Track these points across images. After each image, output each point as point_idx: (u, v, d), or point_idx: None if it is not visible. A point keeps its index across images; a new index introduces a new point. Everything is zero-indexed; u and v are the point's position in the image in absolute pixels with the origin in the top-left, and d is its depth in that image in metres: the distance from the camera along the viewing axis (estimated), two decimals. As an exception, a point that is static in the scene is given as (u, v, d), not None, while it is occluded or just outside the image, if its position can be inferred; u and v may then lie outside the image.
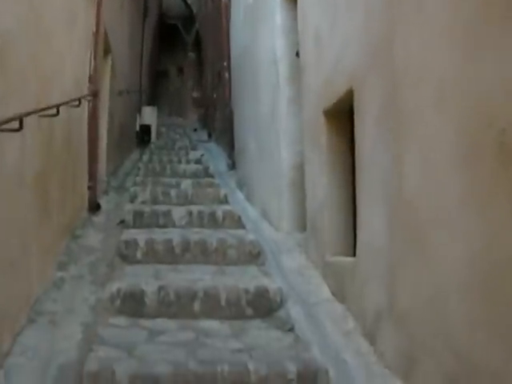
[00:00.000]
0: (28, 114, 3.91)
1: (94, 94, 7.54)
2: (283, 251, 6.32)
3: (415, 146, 3.42)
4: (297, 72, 6.79)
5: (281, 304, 4.99)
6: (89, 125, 7.51)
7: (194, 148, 13.66)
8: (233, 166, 11.13)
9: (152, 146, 14.01)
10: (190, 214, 7.19)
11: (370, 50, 4.15)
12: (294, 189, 6.87)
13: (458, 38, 2.90)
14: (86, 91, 7.25)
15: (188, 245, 5.98)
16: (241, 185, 9.66)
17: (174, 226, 7.09)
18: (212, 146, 14.60)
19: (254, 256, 6.01)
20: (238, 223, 7.20)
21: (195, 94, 21.58)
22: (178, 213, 7.19)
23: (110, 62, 9.64)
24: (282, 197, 6.93)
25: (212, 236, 6.35)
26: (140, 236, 6.16)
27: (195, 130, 18.46)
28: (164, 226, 7.03)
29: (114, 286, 4.91)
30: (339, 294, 4.98)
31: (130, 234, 6.42)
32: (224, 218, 7.21)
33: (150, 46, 18.40)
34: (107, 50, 9.25)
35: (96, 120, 7.76)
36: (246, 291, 4.95)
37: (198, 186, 9.12)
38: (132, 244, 5.93)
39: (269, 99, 7.56)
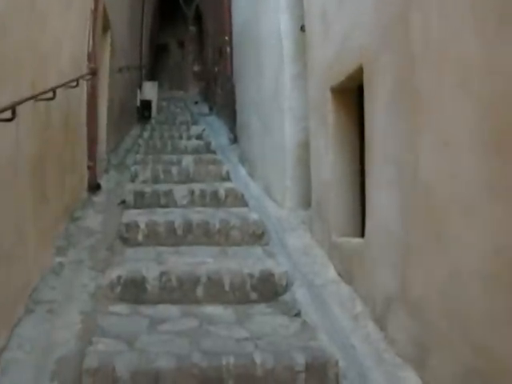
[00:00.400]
0: (22, 101, 3.75)
1: (93, 73, 7.34)
2: (287, 230, 6.17)
3: (434, 128, 3.23)
4: (302, 47, 6.59)
5: (286, 288, 4.84)
6: (88, 104, 7.33)
7: (195, 123, 13.43)
8: (235, 140, 10.93)
9: (153, 121, 13.79)
10: (192, 193, 7.01)
11: (382, 26, 3.95)
12: (298, 166, 6.71)
13: (484, 12, 2.68)
14: (84, 70, 7.06)
15: (190, 226, 5.82)
16: (243, 160, 9.47)
17: (175, 205, 6.92)
18: (213, 119, 14.36)
19: (257, 236, 5.85)
20: (241, 201, 7.03)
21: (196, 68, 21.29)
22: (180, 192, 7.01)
23: (109, 38, 9.40)
24: (286, 173, 6.77)
25: (214, 216, 6.19)
26: (141, 217, 6.00)
27: (196, 102, 18.21)
28: (165, 206, 6.86)
29: (114, 273, 4.76)
30: (346, 276, 4.83)
31: (130, 215, 6.26)
32: (226, 196, 7.04)
33: (150, 21, 18.12)
34: (106, 27, 9.03)
35: (95, 99, 7.57)
36: (251, 275, 4.79)
37: (200, 163, 8.92)
38: (133, 226, 5.77)
39: (272, 75, 7.36)
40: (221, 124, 13.26)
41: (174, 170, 8.22)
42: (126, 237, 5.71)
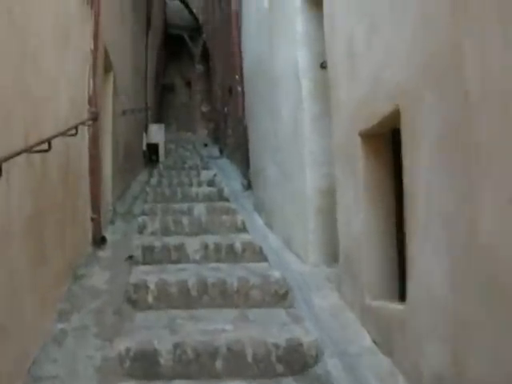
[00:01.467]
0: (10, 156, 3.22)
1: (95, 118, 6.85)
2: (312, 288, 5.60)
3: (496, 183, 2.65)
4: (322, 86, 6.13)
5: (316, 358, 4.27)
6: (90, 152, 6.85)
7: (205, 167, 12.90)
8: (248, 186, 10.42)
9: (160, 165, 13.26)
10: (206, 247, 6.47)
11: (425, 59, 3.39)
12: (320, 216, 6.19)
13: None
14: (85, 115, 6.57)
15: (205, 286, 5.25)
16: (259, 208, 8.93)
17: (187, 261, 6.37)
18: (224, 162, 13.89)
19: (280, 296, 5.28)
20: (260, 255, 6.47)
21: (204, 108, 20.87)
22: (192, 246, 6.46)
23: (111, 79, 8.94)
24: (308, 225, 6.23)
25: (232, 274, 5.64)
26: (150, 276, 5.45)
27: (205, 145, 17.80)
28: (177, 262, 6.33)
29: (122, 343, 4.22)
30: (384, 346, 4.24)
31: (139, 272, 5.76)
32: (243, 250, 6.49)
33: (154, 60, 17.72)
34: (108, 68, 8.57)
35: (97, 146, 7.06)
36: (276, 345, 4.24)
37: (213, 212, 8.41)
38: (142, 287, 5.20)
39: (290, 116, 6.84)
40: (232, 168, 12.79)
41: (185, 220, 7.69)
42: (135, 299, 5.15)
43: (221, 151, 15.40)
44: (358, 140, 4.62)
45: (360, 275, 4.71)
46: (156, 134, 14.60)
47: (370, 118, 4.33)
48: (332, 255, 6.03)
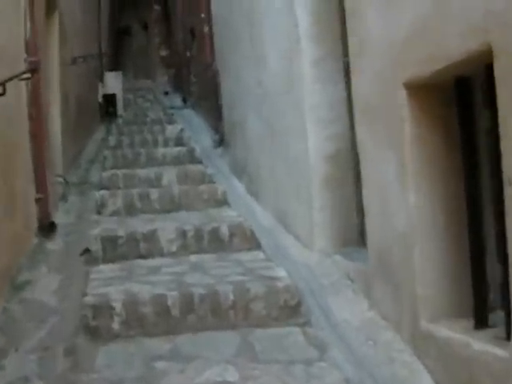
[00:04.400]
0: None
1: (34, 69, 5.34)
2: (328, 290, 4.23)
3: None
4: (325, 19, 4.77)
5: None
6: (29, 112, 5.37)
7: (169, 121, 11.25)
8: (221, 141, 8.93)
9: (120, 120, 11.62)
10: (184, 234, 5.05)
11: None
12: (328, 189, 4.81)
13: None
14: (21, 66, 5.10)
15: (190, 301, 3.84)
16: (238, 171, 7.50)
17: (161, 254, 4.98)
18: (189, 114, 12.25)
19: (291, 309, 3.90)
20: (251, 241, 5.12)
21: (163, 53, 19.03)
22: (166, 233, 5.04)
23: (56, 21, 7.37)
24: (313, 201, 4.84)
25: (222, 276, 4.29)
26: (115, 288, 4.05)
27: (166, 93, 16.15)
28: (148, 256, 4.92)
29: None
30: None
31: (98, 280, 4.33)
32: (231, 235, 5.10)
33: (108, 1, 15.96)
34: (52, 6, 7.00)
35: (39, 104, 5.56)
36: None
37: (185, 180, 6.98)
38: (104, 308, 3.77)
39: (281, 60, 5.39)
40: (199, 120, 11.21)
41: (154, 193, 6.27)
42: (95, 325, 3.72)
43: (184, 100, 13.78)
44: (403, 93, 3.18)
45: (409, 285, 3.33)
46: (113, 83, 12.95)
47: (429, 62, 2.88)
48: (344, 239, 4.75)
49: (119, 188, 6.76)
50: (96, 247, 4.89)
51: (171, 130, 10.01)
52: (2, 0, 4.60)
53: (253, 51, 6.43)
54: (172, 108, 13.21)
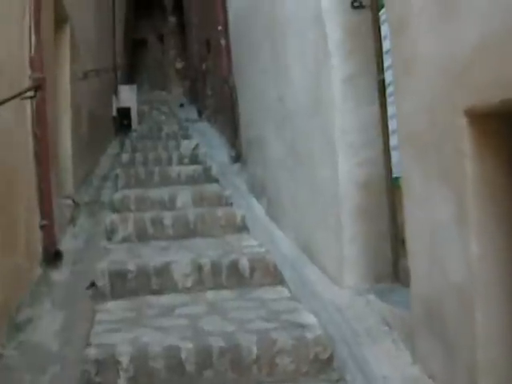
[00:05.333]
0: None
1: (39, 86, 4.93)
2: (363, 338, 3.71)
3: None
4: (357, 33, 4.35)
5: None
6: (34, 132, 4.96)
7: (185, 135, 10.86)
8: (237, 157, 8.49)
9: (133, 134, 11.18)
10: (199, 268, 4.60)
11: None
12: (360, 219, 4.36)
13: None
14: (25, 83, 4.70)
15: (208, 355, 3.38)
16: (257, 191, 7.06)
17: (175, 289, 4.53)
18: (205, 127, 11.85)
19: (323, 363, 3.44)
20: (274, 275, 4.67)
21: (179, 65, 18.65)
22: (181, 266, 4.59)
23: (67, 33, 6.95)
24: (342, 232, 4.38)
25: (243, 321, 3.82)
26: (122, 336, 3.61)
27: (181, 105, 15.83)
28: (160, 292, 4.47)
29: None
30: None
31: (103, 325, 3.88)
32: (252, 270, 4.64)
33: (123, 11, 15.57)
34: (62, 18, 6.60)
35: (45, 122, 5.13)
36: None
37: (201, 202, 6.54)
38: (109, 363, 3.32)
39: (307, 76, 4.95)
40: (214, 133, 10.80)
41: (167, 217, 5.83)
42: (99, 381, 3.27)
43: (199, 113, 13.40)
44: (463, 122, 2.70)
45: (466, 345, 2.83)
46: (127, 96, 12.57)
47: (501, 86, 2.41)
48: (377, 274, 4.32)
49: (131, 211, 6.34)
50: (104, 282, 4.45)
51: (186, 146, 9.58)
52: (1, 12, 4.18)
53: (274, 65, 6.00)
54: (187, 121, 12.83)
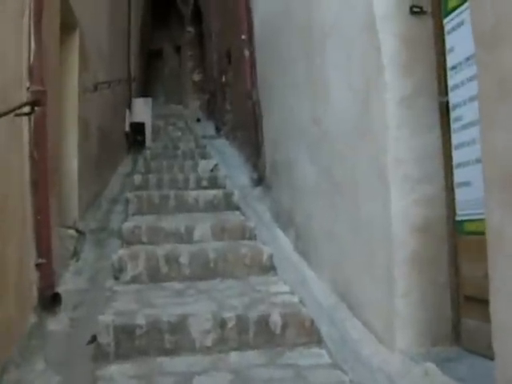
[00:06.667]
0: None
1: (38, 101, 4.22)
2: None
3: None
4: (419, 43, 3.64)
5: None
6: (32, 155, 4.26)
7: (202, 153, 10.10)
8: (260, 180, 7.75)
9: (147, 152, 10.41)
10: (222, 324, 3.83)
11: None
12: (416, 268, 3.61)
13: None
14: (22, 96, 4.02)
15: None
16: (282, 220, 6.32)
17: (192, 349, 3.79)
18: (223, 145, 11.15)
19: None
20: (310, 333, 3.91)
21: (196, 77, 17.92)
22: (200, 322, 3.83)
23: (76, 41, 6.28)
24: (394, 282, 3.63)
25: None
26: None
27: (198, 120, 15.20)
28: (174, 353, 3.72)
29: None
30: None
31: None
32: (285, 326, 3.88)
33: (139, 21, 14.88)
34: (70, 25, 5.92)
35: (44, 143, 4.42)
36: None
37: (222, 234, 5.82)
38: None
39: (351, 95, 4.21)
40: (233, 151, 10.08)
41: (184, 254, 5.10)
42: None
43: (217, 129, 12.71)
44: None
45: None
46: (141, 110, 11.85)
47: None
48: (435, 336, 3.55)
49: (142, 243, 5.60)
50: (108, 339, 3.70)
51: (204, 167, 8.83)
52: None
53: (308, 79, 5.26)
54: (204, 137, 12.16)
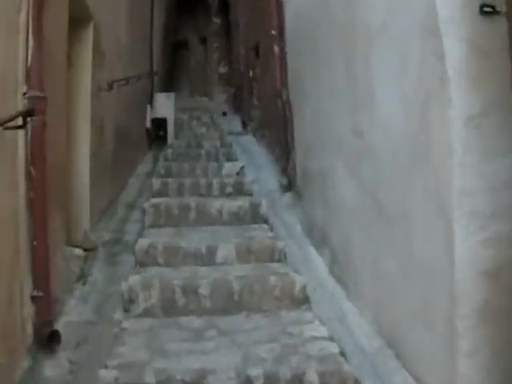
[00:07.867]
0: None
1: (38, 108, 3.64)
2: None
3: None
4: (490, 50, 3.00)
5: None
6: (28, 171, 3.69)
7: (228, 154, 9.43)
8: (289, 186, 7.12)
9: (169, 151, 9.77)
10: (248, 381, 3.20)
11: None
12: (486, 323, 2.98)
13: None
14: (17, 104, 3.44)
15: None
16: (314, 234, 5.71)
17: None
18: (250, 142, 10.56)
19: None
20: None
21: (222, 69, 17.29)
22: (221, 382, 3.20)
23: (90, 35, 5.70)
24: (459, 339, 3.01)
25: None
26: None
27: (224, 113, 14.60)
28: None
29: None
30: None
31: None
32: (323, 385, 3.26)
33: (164, 11, 14.24)
34: (83, 18, 5.35)
35: (42, 156, 3.80)
36: None
37: (248, 256, 5.19)
38: None
39: (405, 109, 3.55)
40: (261, 150, 9.44)
41: (204, 284, 4.46)
42: None
43: (244, 124, 12.14)
44: None
45: None
46: (164, 106, 11.23)
47: None
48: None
49: (158, 264, 4.98)
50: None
51: (229, 170, 8.19)
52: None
53: (350, 85, 4.60)
54: (230, 134, 11.61)
